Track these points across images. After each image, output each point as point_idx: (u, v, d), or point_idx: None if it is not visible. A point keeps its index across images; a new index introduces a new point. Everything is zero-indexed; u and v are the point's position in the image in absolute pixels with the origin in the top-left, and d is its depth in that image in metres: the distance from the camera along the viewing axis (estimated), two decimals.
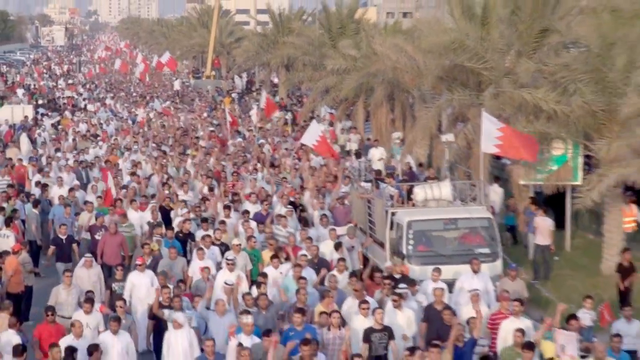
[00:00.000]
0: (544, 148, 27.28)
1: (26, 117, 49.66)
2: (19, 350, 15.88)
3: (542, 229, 26.23)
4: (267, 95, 51.29)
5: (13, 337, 16.81)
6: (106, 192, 28.62)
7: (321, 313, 17.31)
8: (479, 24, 31.84)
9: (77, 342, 16.36)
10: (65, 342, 16.36)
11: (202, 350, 16.50)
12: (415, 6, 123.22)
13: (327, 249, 21.94)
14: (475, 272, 19.61)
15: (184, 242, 23.57)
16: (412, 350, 15.85)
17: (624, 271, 22.56)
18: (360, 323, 17.18)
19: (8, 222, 25.05)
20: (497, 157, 33.68)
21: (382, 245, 22.35)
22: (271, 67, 69.52)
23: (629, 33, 25.95)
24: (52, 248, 24.05)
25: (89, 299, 18.09)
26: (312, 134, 32.32)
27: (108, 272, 21.72)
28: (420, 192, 22.81)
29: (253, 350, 15.73)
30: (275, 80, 71.79)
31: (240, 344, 15.40)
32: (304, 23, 69.35)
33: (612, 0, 29.97)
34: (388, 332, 16.89)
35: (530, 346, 15.87)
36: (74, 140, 42.56)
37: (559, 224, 28.75)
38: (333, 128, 46.91)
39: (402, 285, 18.66)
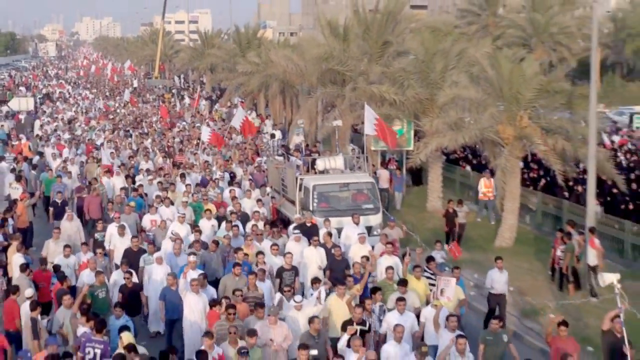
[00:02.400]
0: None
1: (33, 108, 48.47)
2: (23, 267, 15.22)
3: (382, 178, 26.11)
4: (199, 92, 52.80)
5: (20, 259, 16.00)
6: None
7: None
8: (342, 39, 31.35)
9: (89, 273, 15.14)
10: (85, 274, 15.28)
11: None
12: (299, 28, 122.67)
13: (251, 203, 20.92)
14: (356, 223, 18.34)
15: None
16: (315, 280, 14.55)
17: (449, 216, 21.94)
18: (272, 260, 16.04)
19: (18, 178, 24.32)
20: (355, 131, 33.38)
21: (293, 202, 21.21)
22: (200, 70, 69.07)
23: (444, 47, 25.91)
24: (51, 209, 22.27)
25: (67, 246, 16.60)
26: (238, 118, 31.59)
27: (92, 224, 20.17)
28: (320, 163, 21.64)
29: (223, 281, 14.51)
30: (204, 80, 70.62)
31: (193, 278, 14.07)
32: (222, 40, 68.11)
33: (432, 23, 29.75)
34: (295, 271, 15.50)
35: (403, 282, 13.94)
36: (68, 124, 40.77)
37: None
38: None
39: (295, 230, 17.51)
